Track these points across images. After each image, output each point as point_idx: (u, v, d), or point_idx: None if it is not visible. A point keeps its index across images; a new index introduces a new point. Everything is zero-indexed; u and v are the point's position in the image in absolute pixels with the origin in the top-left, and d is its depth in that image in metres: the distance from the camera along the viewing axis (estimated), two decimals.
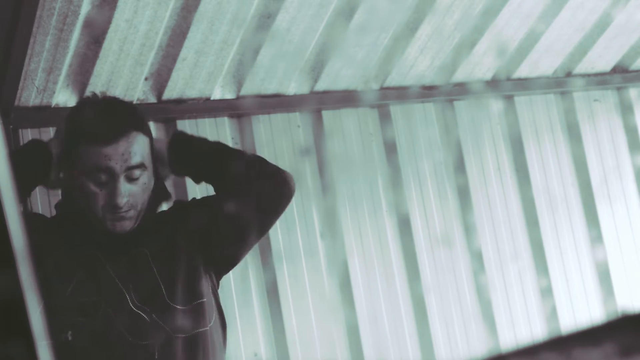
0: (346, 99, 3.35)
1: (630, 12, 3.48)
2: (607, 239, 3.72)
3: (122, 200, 2.11)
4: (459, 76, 3.49)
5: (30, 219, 2.33)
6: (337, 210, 3.28)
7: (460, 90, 3.54)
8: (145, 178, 2.16)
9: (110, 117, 2.18)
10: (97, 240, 2.18)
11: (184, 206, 2.39)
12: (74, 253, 2.17)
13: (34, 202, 2.88)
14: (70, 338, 2.08)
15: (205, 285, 2.23)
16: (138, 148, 2.14)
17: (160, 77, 3.02)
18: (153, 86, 3.05)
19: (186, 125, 3.13)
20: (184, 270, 2.19)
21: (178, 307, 2.14)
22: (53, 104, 2.93)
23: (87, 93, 2.93)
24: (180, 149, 2.31)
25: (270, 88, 3.21)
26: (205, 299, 2.20)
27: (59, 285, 2.12)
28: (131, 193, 2.13)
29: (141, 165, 2.14)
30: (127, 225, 2.15)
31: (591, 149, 3.76)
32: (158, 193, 2.27)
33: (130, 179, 2.13)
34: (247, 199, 2.25)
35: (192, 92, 3.09)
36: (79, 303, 2.11)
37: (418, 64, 3.35)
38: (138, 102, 3.05)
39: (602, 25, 3.53)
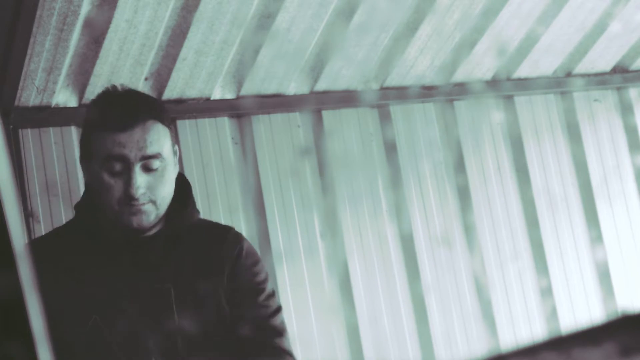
0: (346, 99, 3.35)
1: (630, 12, 3.48)
2: (607, 239, 3.72)
3: (138, 191, 1.98)
4: (459, 76, 3.49)
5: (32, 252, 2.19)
6: (337, 210, 3.28)
7: (460, 90, 3.54)
8: (163, 169, 2.02)
9: (126, 104, 2.07)
10: (116, 255, 2.03)
11: (230, 240, 2.15)
12: (89, 285, 2.00)
13: (35, 206, 2.88)
14: None
15: (226, 333, 2.06)
16: (155, 137, 2.01)
17: (160, 77, 3.02)
18: (153, 86, 3.05)
19: (186, 125, 3.13)
20: (207, 317, 2.03)
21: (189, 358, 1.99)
22: (53, 104, 2.93)
23: (90, 91, 2.94)
24: None
25: (270, 88, 3.21)
26: (220, 353, 2.04)
27: (75, 325, 1.99)
28: (148, 185, 2.00)
29: (158, 156, 2.01)
30: (145, 220, 2.01)
31: (591, 149, 3.76)
32: (182, 190, 2.14)
33: (147, 169, 2.00)
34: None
35: (192, 92, 3.09)
36: (94, 346, 1.98)
37: (418, 64, 3.35)
38: None
39: (602, 25, 3.53)
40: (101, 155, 2.00)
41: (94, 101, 2.15)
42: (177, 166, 2.10)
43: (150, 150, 2.00)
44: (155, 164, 2.01)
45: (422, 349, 3.33)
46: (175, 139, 2.14)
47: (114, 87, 2.17)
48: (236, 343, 2.06)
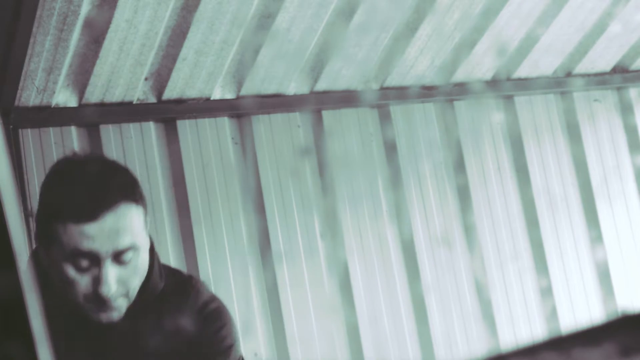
0: (346, 99, 3.35)
1: (630, 12, 3.48)
2: (607, 239, 3.72)
3: (110, 290, 1.70)
4: (459, 76, 3.49)
5: None
6: (337, 211, 3.28)
7: (460, 90, 3.54)
8: (136, 259, 1.74)
9: (92, 186, 1.74)
10: (71, 330, 1.78)
11: (194, 306, 1.90)
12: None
13: (35, 206, 2.88)
14: None
15: None
16: (128, 223, 1.71)
17: (160, 77, 3.02)
18: (153, 86, 3.05)
19: (186, 125, 3.13)
20: None
21: None
22: (53, 104, 2.93)
23: (90, 91, 2.94)
24: None
25: (270, 88, 3.21)
26: None
27: None
28: (120, 278, 1.72)
29: (132, 247, 1.72)
30: (116, 316, 1.74)
31: (591, 149, 3.76)
32: (155, 273, 1.86)
33: (119, 262, 1.72)
34: None
35: (192, 92, 3.09)
36: None
37: (418, 64, 3.35)
38: (138, 102, 3.05)
39: (602, 25, 3.53)
40: (66, 248, 1.70)
41: (50, 178, 1.82)
42: (149, 240, 1.81)
43: (123, 243, 1.70)
44: (128, 255, 1.72)
45: (422, 349, 3.33)
46: (145, 211, 1.79)
47: (74, 154, 1.92)
48: None
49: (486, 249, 3.49)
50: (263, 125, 3.24)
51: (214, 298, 1.95)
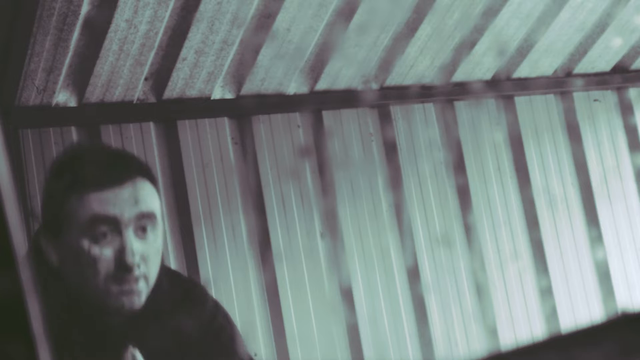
0: (346, 99, 3.36)
1: (630, 12, 3.48)
2: (607, 239, 3.72)
3: (135, 258, 1.59)
4: (459, 76, 3.49)
5: None
6: (337, 210, 3.28)
7: (460, 90, 3.54)
8: (157, 237, 1.64)
9: (110, 159, 1.70)
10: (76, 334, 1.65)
11: (206, 314, 1.80)
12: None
13: (35, 206, 2.88)
14: None
15: None
16: (147, 196, 1.63)
17: (160, 77, 3.02)
18: (153, 86, 3.05)
19: (186, 125, 3.13)
20: None
21: None
22: (53, 104, 2.93)
23: (90, 91, 2.93)
24: None
25: (270, 88, 3.21)
26: None
27: None
28: (142, 254, 1.61)
29: (153, 216, 1.63)
30: (137, 302, 1.61)
31: (591, 149, 3.76)
32: (162, 275, 1.74)
33: (141, 234, 1.62)
34: None
35: (192, 92, 3.09)
36: None
37: (418, 64, 3.35)
38: (138, 102, 3.05)
39: (602, 25, 3.53)
40: (81, 220, 1.60)
41: (64, 159, 1.75)
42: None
43: (146, 208, 1.62)
44: (149, 226, 1.63)
45: (422, 349, 3.33)
46: (159, 197, 1.73)
47: (79, 144, 1.83)
48: None
49: (486, 249, 3.49)
50: (263, 125, 3.24)
51: (218, 306, 1.86)
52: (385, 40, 3.19)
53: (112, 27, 2.72)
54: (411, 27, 3.19)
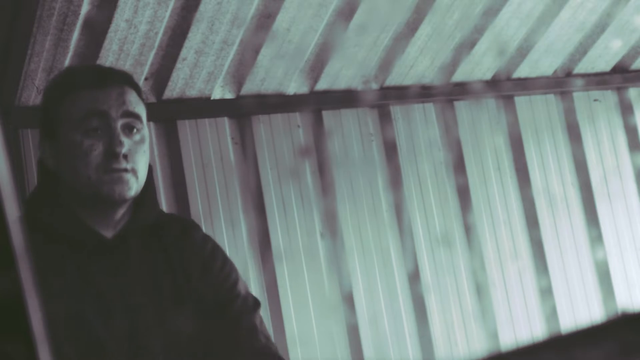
0: (346, 99, 3.35)
1: (630, 12, 3.48)
2: (607, 239, 3.72)
3: (122, 149, 1.76)
4: (459, 76, 3.49)
5: None
6: (337, 210, 3.28)
7: (460, 90, 3.54)
8: (143, 138, 1.82)
9: (100, 68, 1.96)
10: (78, 258, 1.79)
11: (198, 238, 1.95)
12: (50, 295, 1.71)
13: None
14: None
15: (206, 339, 1.87)
16: (135, 100, 1.83)
17: (160, 77, 3.02)
18: (153, 86, 3.05)
19: (186, 125, 3.13)
20: (185, 323, 1.80)
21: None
22: None
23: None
24: None
25: (270, 88, 3.21)
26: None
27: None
28: (130, 149, 1.78)
29: (139, 117, 1.82)
30: (127, 191, 1.77)
31: (591, 149, 3.76)
32: (153, 191, 1.93)
33: (128, 132, 1.80)
34: None
35: (192, 92, 3.09)
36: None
37: (418, 64, 3.35)
38: None
39: (602, 25, 3.53)
40: (76, 116, 1.79)
41: (57, 75, 1.97)
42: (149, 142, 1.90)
43: (132, 108, 1.81)
44: (137, 126, 1.82)
45: (422, 349, 3.33)
46: (146, 112, 1.92)
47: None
48: (216, 349, 1.88)
49: (486, 249, 3.49)
50: (263, 125, 3.24)
51: (209, 236, 1.99)
52: (385, 40, 3.19)
53: (112, 27, 2.72)
54: (411, 27, 3.19)
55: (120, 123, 1.79)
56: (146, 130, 1.85)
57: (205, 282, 1.88)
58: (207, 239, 1.97)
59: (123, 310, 1.78)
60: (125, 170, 1.77)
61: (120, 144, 1.76)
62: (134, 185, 1.79)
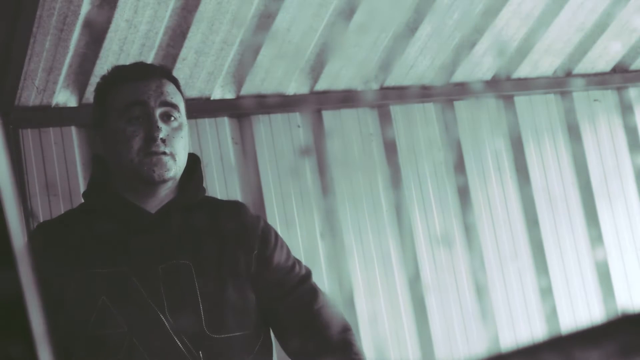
0: (346, 99, 3.36)
1: (630, 12, 3.48)
2: (607, 239, 3.72)
3: (159, 134, 1.94)
4: (459, 76, 3.49)
5: (35, 242, 2.03)
6: (337, 210, 3.28)
7: (460, 90, 3.54)
8: (181, 125, 2.00)
9: (142, 64, 2.22)
10: (126, 233, 1.95)
11: (250, 216, 2.13)
12: (97, 268, 1.91)
13: (35, 206, 2.88)
14: None
15: (252, 311, 2.00)
16: (173, 91, 2.03)
17: None
18: None
19: None
20: (231, 292, 1.96)
21: (215, 336, 1.91)
22: (53, 104, 2.93)
23: (90, 91, 2.94)
24: None
25: (270, 88, 3.21)
26: (248, 332, 1.97)
27: (80, 313, 1.89)
28: (167, 134, 1.96)
29: (176, 107, 2.01)
30: (166, 172, 1.94)
31: (591, 149, 3.76)
32: (191, 165, 2.09)
33: (166, 119, 1.98)
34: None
35: (192, 92, 3.09)
36: (103, 336, 1.87)
37: (418, 64, 3.35)
38: None
39: (602, 25, 3.53)
40: (120, 106, 1.98)
41: (106, 74, 2.14)
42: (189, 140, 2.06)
43: (169, 98, 2.00)
44: (175, 114, 2.00)
45: (422, 349, 3.33)
46: (185, 105, 2.10)
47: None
48: (274, 322, 2.05)
49: (486, 249, 3.49)
50: (263, 125, 3.24)
51: (259, 214, 2.21)
52: (385, 40, 3.19)
53: (112, 27, 2.72)
54: (411, 27, 3.19)
55: (158, 111, 1.98)
56: (184, 119, 2.03)
57: (266, 253, 2.05)
58: (259, 216, 2.17)
59: (163, 273, 1.92)
60: (164, 153, 1.95)
61: (158, 129, 1.94)
62: (173, 167, 1.97)
